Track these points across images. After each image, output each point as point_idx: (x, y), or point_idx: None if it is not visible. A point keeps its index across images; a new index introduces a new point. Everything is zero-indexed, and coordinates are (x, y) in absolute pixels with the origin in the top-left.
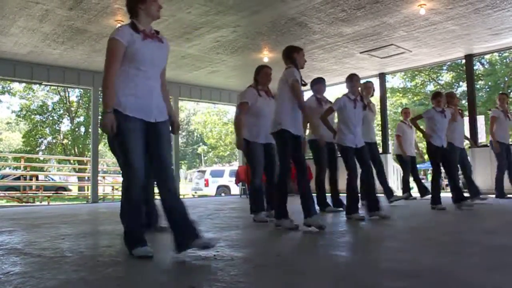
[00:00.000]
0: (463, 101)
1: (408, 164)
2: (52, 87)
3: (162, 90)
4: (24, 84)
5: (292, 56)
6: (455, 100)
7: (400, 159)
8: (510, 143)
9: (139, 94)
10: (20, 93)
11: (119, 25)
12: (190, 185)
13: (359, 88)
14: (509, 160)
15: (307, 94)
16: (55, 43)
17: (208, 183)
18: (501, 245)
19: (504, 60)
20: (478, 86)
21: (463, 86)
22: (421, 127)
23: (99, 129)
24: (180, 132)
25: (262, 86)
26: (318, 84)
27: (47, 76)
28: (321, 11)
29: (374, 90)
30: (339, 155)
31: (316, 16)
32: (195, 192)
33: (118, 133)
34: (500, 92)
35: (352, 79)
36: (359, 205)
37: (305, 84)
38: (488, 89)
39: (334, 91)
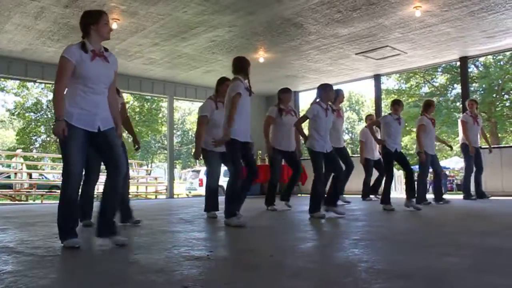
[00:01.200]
0: (457, 103)
1: (370, 168)
2: (47, 85)
3: (110, 103)
4: (18, 82)
5: (245, 67)
6: (431, 109)
7: (366, 162)
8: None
9: (84, 107)
10: (15, 91)
11: (70, 43)
12: (184, 185)
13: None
14: (478, 163)
15: (304, 98)
16: (50, 41)
17: (202, 183)
18: (493, 247)
19: (498, 63)
20: (472, 88)
21: (458, 88)
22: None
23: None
24: (174, 131)
25: (221, 98)
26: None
27: (41, 74)
28: (317, 12)
29: (344, 97)
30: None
31: (312, 17)
32: (189, 192)
33: (60, 139)
34: (469, 99)
35: (325, 89)
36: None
37: (252, 93)
38: (482, 92)
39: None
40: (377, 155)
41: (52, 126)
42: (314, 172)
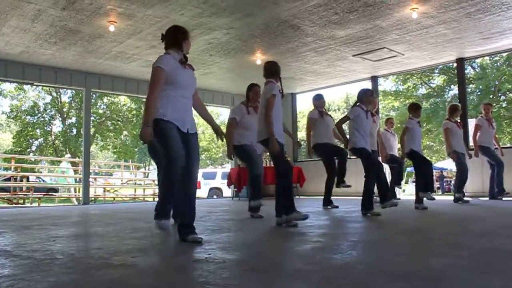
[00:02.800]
0: None
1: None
2: (44, 87)
3: (198, 107)
4: (15, 85)
5: (275, 70)
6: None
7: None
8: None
9: (176, 110)
10: (11, 94)
11: (160, 54)
12: None
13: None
14: (498, 160)
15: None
16: (47, 44)
17: (200, 185)
18: (491, 248)
19: (495, 64)
20: (469, 89)
21: (455, 90)
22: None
23: (91, 130)
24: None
25: (252, 103)
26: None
27: (38, 77)
28: (314, 14)
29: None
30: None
31: (309, 18)
32: None
33: (160, 133)
34: (485, 102)
35: (366, 93)
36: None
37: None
38: (479, 93)
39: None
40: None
41: (139, 131)
42: (365, 168)
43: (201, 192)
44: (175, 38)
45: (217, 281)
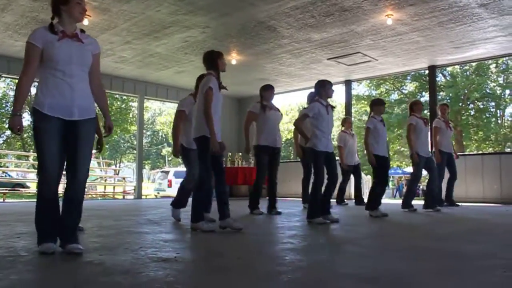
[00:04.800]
0: (425, 111)
1: (348, 173)
2: (13, 79)
3: (94, 89)
4: None
5: (215, 61)
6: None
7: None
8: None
9: (58, 94)
10: None
11: (37, 27)
12: (153, 186)
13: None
14: (452, 169)
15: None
16: (17, 34)
17: (171, 184)
18: (455, 251)
19: (465, 73)
20: (440, 97)
21: (426, 96)
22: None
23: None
24: (144, 132)
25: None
26: (266, 91)
27: (7, 68)
28: (291, 16)
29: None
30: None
31: (286, 21)
32: (158, 193)
33: (35, 131)
34: (441, 103)
35: (325, 85)
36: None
37: (224, 88)
38: (449, 100)
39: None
40: (356, 160)
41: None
42: (314, 174)
43: (173, 191)
44: (52, 2)
45: (186, 280)
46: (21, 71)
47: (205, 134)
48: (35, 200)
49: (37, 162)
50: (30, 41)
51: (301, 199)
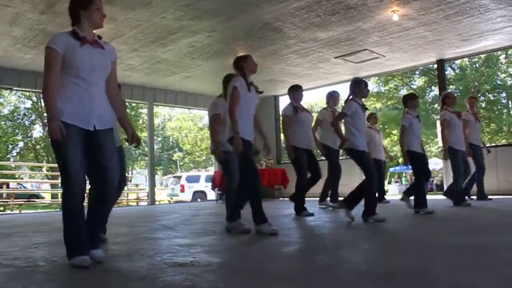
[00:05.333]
0: (435, 105)
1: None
2: (24, 92)
3: (111, 99)
4: None
5: (240, 65)
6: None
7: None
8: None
9: (77, 101)
10: None
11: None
12: (166, 191)
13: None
14: (481, 163)
15: (285, 102)
16: (26, 48)
17: (184, 189)
18: (472, 245)
19: (474, 65)
20: (449, 90)
21: (435, 91)
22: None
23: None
24: (155, 138)
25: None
26: (294, 92)
27: (18, 81)
28: (296, 16)
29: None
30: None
31: (291, 21)
32: (171, 198)
33: (53, 140)
34: (469, 95)
35: (359, 84)
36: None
37: (260, 92)
38: (458, 94)
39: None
40: (382, 156)
41: (47, 129)
42: (365, 172)
43: (185, 196)
44: (71, 8)
45: (202, 284)
46: (44, 77)
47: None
48: (61, 211)
49: (50, 172)
50: (51, 45)
51: (318, 199)
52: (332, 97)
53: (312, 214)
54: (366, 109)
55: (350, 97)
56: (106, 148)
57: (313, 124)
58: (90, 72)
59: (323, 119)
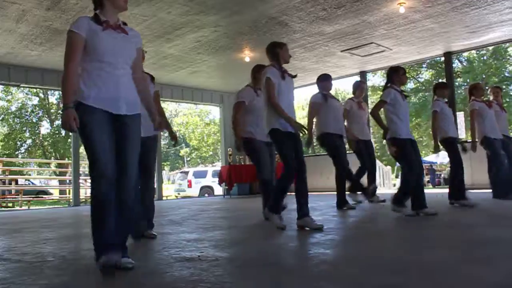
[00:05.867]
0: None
1: None
2: (31, 89)
3: (137, 85)
4: (1, 87)
5: (275, 52)
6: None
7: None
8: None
9: (103, 86)
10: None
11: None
12: (173, 186)
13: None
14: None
15: (313, 91)
16: (33, 44)
17: (191, 184)
18: (483, 238)
19: (482, 58)
20: (457, 83)
21: None
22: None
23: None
24: (162, 133)
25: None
26: (325, 81)
27: (25, 78)
28: (302, 10)
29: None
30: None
31: (297, 15)
32: (178, 193)
33: (82, 126)
34: (494, 85)
35: (398, 71)
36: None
37: (294, 76)
38: (466, 86)
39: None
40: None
41: (60, 118)
42: (405, 163)
43: (193, 191)
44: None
45: (210, 279)
46: (65, 61)
47: (274, 126)
48: (69, 207)
49: (58, 169)
50: (73, 29)
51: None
52: (359, 86)
53: (354, 208)
54: (407, 96)
55: (388, 84)
56: (133, 138)
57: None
58: (114, 56)
59: (350, 108)
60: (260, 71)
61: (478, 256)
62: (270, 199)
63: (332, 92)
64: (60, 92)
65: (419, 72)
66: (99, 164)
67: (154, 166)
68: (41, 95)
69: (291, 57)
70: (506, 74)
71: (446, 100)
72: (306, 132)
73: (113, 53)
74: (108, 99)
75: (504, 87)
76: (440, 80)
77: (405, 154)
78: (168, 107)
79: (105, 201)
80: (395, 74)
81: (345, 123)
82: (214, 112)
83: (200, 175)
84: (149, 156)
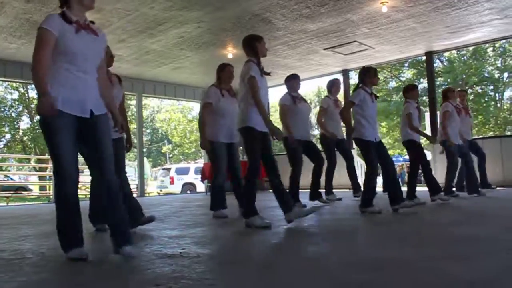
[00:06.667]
0: (424, 97)
1: None
2: (10, 82)
3: (101, 86)
4: None
5: (253, 45)
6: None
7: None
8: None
9: (70, 88)
10: None
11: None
12: (155, 183)
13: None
14: (479, 152)
15: (281, 92)
16: (11, 37)
17: (173, 181)
18: (461, 236)
19: (462, 58)
20: (438, 82)
21: (424, 83)
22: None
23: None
24: (144, 129)
25: (225, 85)
26: (292, 80)
27: (3, 72)
28: (285, 7)
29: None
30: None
31: (280, 12)
32: (161, 190)
33: (46, 129)
34: (459, 89)
35: (369, 72)
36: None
37: (268, 74)
38: (447, 86)
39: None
40: None
41: (36, 107)
42: (367, 164)
43: (175, 188)
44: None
45: (192, 275)
46: (34, 54)
47: (249, 124)
48: (49, 203)
49: (38, 164)
50: (45, 26)
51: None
52: (334, 84)
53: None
54: (377, 97)
55: (360, 85)
56: (104, 135)
57: (314, 113)
58: (85, 59)
59: (327, 107)
60: (224, 71)
61: (455, 253)
62: (243, 205)
63: (315, 91)
64: None
65: (401, 71)
66: (65, 168)
67: (125, 167)
68: (21, 89)
69: (276, 55)
70: (486, 75)
71: (417, 101)
72: (278, 139)
73: (84, 57)
74: (75, 103)
75: (483, 87)
76: (421, 80)
77: (368, 155)
78: (151, 103)
79: (71, 201)
80: (367, 75)
81: (323, 120)
82: (196, 109)
83: (183, 171)
84: (119, 157)
